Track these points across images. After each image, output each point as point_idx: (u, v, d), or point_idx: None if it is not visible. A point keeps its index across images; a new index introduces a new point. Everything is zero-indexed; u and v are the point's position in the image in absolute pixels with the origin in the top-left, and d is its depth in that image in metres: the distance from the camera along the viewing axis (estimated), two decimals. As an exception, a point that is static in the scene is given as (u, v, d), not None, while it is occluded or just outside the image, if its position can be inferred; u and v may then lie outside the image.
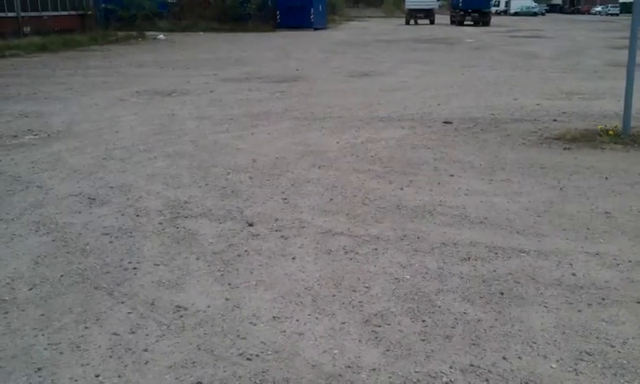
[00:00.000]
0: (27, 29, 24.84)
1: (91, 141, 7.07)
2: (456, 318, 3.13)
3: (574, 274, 3.64)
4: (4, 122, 8.35)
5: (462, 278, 3.59)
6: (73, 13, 28.92)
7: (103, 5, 33.45)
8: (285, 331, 3.01)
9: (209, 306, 3.26)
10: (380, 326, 3.05)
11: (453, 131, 7.59)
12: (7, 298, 3.36)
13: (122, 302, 3.31)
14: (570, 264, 3.78)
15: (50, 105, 9.74)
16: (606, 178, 5.54)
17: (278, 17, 36.61)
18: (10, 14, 24.56)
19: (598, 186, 5.35)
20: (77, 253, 3.96)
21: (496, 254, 3.92)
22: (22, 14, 25.29)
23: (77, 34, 25.50)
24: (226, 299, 3.34)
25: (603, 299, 3.33)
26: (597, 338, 2.95)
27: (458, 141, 7.08)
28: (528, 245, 4.06)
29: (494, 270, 3.69)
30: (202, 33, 31.52)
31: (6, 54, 18.72)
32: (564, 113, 8.68)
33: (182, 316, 3.17)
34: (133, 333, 3.00)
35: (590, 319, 3.12)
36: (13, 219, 4.57)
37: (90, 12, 30.05)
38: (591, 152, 6.50)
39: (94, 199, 5.04)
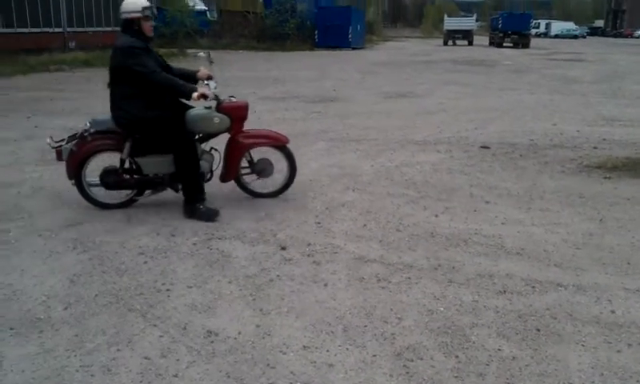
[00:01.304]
0: (72, 44, 25.58)
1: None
2: (490, 355, 3.06)
3: (613, 312, 3.53)
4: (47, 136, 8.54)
5: (498, 312, 3.52)
6: (117, 29, 29.60)
7: (146, 22, 34.26)
8: (315, 362, 2.98)
9: (239, 333, 3.26)
10: (412, 361, 3.01)
11: (490, 156, 7.50)
12: (42, 317, 3.41)
13: (155, 325, 3.33)
14: (609, 300, 3.67)
15: (92, 121, 9.94)
16: (649, 211, 5.38)
17: (316, 36, 36.93)
18: (57, 30, 25.34)
19: (638, 218, 5.20)
20: (112, 272, 4.02)
21: (533, 287, 3.83)
22: (68, 29, 26.07)
23: (120, 50, 26.06)
24: (257, 326, 3.34)
25: (645, 340, 3.21)
26: (637, 381, 2.85)
27: (495, 167, 6.99)
28: (566, 279, 3.96)
29: (531, 305, 3.60)
30: (241, 51, 31.95)
31: (51, 69, 19.27)
32: (604, 140, 8.49)
33: (212, 341, 3.17)
34: (164, 357, 3.01)
35: (630, 361, 3.02)
36: (51, 236, 4.67)
37: (133, 29, 30.76)
38: (632, 182, 6.33)
39: (131, 218, 5.11)
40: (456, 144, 8.26)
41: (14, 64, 18.65)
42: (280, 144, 5.45)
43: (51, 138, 5.24)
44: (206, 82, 5.24)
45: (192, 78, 5.27)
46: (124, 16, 4.97)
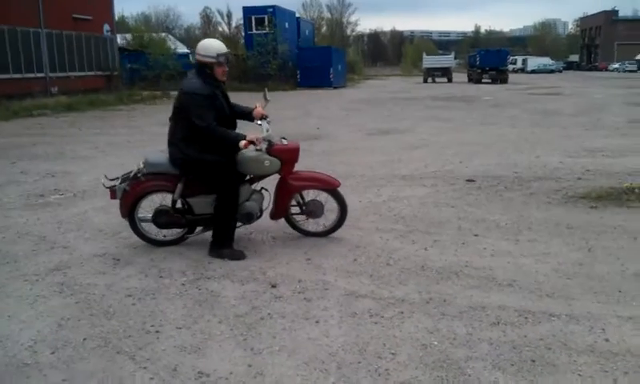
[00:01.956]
0: (55, 89, 25.62)
1: (117, 200, 7.12)
2: (487, 388, 3.03)
3: (607, 340, 3.52)
4: (31, 181, 8.50)
5: (492, 344, 3.49)
6: (99, 73, 29.82)
7: (128, 65, 34.50)
8: (310, 400, 2.93)
9: (231, 373, 3.20)
10: (408, 396, 2.96)
11: (476, 189, 7.55)
12: (29, 362, 3.33)
13: (145, 368, 3.26)
14: (603, 329, 3.66)
15: (77, 164, 9.92)
16: (635, 238, 5.43)
17: (298, 76, 37.42)
18: (39, 75, 25.38)
19: (627, 246, 5.24)
20: (100, 315, 3.94)
21: (526, 318, 3.82)
22: (50, 74, 26.12)
23: (102, 93, 26.21)
24: (249, 365, 3.28)
25: (640, 367, 3.20)
26: (636, 410, 2.82)
27: (482, 199, 7.03)
28: (558, 309, 3.95)
29: (525, 336, 3.58)
30: (223, 92, 32.05)
31: (34, 114, 19.24)
32: (588, 170, 8.61)
33: (203, 383, 3.10)
34: (155, 400, 2.94)
35: (628, 389, 3.00)
36: (37, 280, 4.58)
37: (115, 72, 30.95)
38: (618, 211, 6.40)
39: (118, 260, 5.04)
40: (441, 178, 8.31)
41: (-3, 110, 18.59)
42: (330, 188, 5.42)
43: (105, 176, 5.31)
44: (259, 121, 5.24)
45: (248, 116, 5.31)
46: (198, 58, 4.98)
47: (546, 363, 3.26)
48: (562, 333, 3.62)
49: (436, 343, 3.52)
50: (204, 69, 4.95)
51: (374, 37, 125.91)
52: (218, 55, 4.93)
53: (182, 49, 49.72)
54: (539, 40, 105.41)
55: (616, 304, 4.02)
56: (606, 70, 75.57)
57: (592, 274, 4.57)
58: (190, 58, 44.73)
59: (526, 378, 3.12)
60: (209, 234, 5.20)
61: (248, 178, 5.27)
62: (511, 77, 48.03)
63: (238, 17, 43.63)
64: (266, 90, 5.74)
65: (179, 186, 5.11)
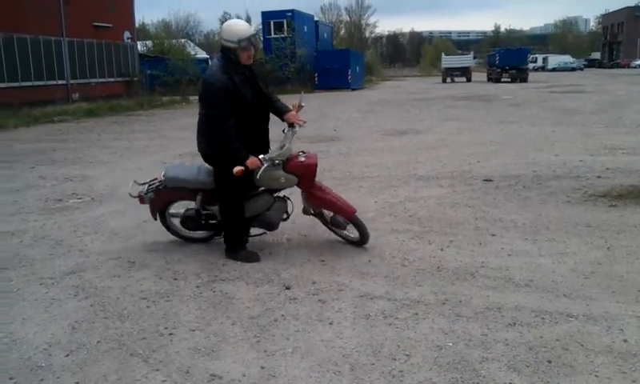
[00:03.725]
0: (76, 95, 25.99)
1: (133, 204, 7.15)
2: (502, 389, 2.97)
3: (625, 341, 3.44)
4: (49, 185, 8.60)
5: (508, 345, 3.43)
6: (119, 79, 30.19)
7: (148, 71, 34.83)
8: (322, 402, 2.90)
9: (244, 375, 3.19)
10: (421, 398, 2.92)
11: (494, 189, 7.46)
12: (43, 365, 3.35)
13: (157, 370, 3.26)
14: (621, 329, 3.58)
15: (95, 169, 10.02)
16: (657, 237, 5.32)
17: (316, 78, 37.42)
18: (60, 82, 25.77)
19: (647, 245, 5.13)
20: (114, 318, 3.96)
21: (543, 319, 3.75)
22: (72, 81, 26.50)
23: (123, 99, 26.54)
24: (262, 367, 3.26)
25: (660, 368, 3.12)
26: (656, 411, 2.75)
27: (500, 199, 6.95)
28: (576, 309, 3.88)
29: (541, 336, 3.52)
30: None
31: (55, 120, 19.50)
32: (608, 169, 8.46)
33: (216, 385, 3.10)
34: (167, 402, 2.94)
35: (647, 391, 2.93)
36: (53, 283, 4.62)
37: (135, 78, 31.30)
38: (638, 210, 6.27)
39: (133, 263, 5.07)
40: (459, 178, 8.24)
41: (18, 117, 18.88)
42: (345, 214, 5.19)
43: (135, 181, 5.54)
44: (287, 129, 5.07)
45: (281, 116, 5.08)
46: (222, 42, 4.79)
47: (563, 364, 3.20)
48: (580, 333, 3.55)
49: (451, 344, 3.47)
50: (227, 53, 4.73)
51: (393, 38, 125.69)
52: (240, 40, 4.65)
53: (202, 54, 50.06)
54: (560, 38, 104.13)
55: (635, 304, 3.93)
56: (629, 67, 74.38)
57: (611, 274, 4.48)
58: (210, 62, 45.00)
59: (542, 379, 3.06)
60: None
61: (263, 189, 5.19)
62: (531, 75, 47.50)
63: (257, 22, 43.74)
64: (302, 93, 5.59)
65: (198, 198, 5.22)
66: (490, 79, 47.67)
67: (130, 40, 31.89)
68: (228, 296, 4.29)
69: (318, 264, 4.91)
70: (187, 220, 5.33)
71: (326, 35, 46.77)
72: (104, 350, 3.51)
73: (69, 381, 3.17)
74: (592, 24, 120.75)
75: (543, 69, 72.77)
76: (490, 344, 3.45)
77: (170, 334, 3.71)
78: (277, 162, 4.88)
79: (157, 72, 34.36)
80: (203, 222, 5.31)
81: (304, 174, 5.02)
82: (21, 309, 4.14)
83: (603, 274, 4.50)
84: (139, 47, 37.02)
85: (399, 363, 3.28)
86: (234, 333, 3.71)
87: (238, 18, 46.90)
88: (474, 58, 57.12)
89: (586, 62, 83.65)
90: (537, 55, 78.41)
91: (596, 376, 3.07)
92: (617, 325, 3.64)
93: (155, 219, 5.48)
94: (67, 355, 3.46)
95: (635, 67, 71.18)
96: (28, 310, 4.12)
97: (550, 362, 3.23)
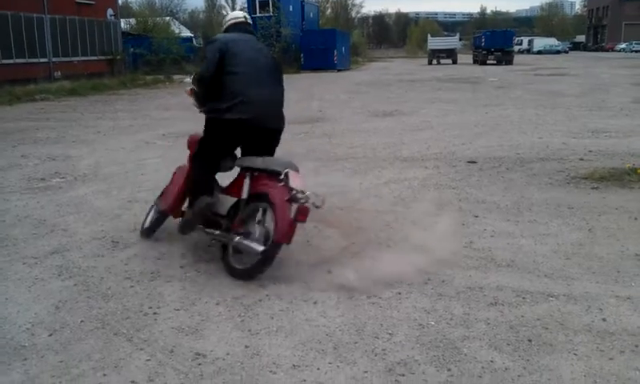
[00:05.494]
0: (58, 73, 25.63)
1: (117, 183, 7.15)
2: (483, 367, 3.02)
3: (604, 320, 3.51)
4: (32, 165, 8.51)
5: (489, 324, 3.48)
6: (102, 57, 29.78)
7: (132, 49, 34.44)
8: (305, 380, 2.93)
9: (228, 354, 3.20)
10: (404, 375, 2.96)
11: (477, 171, 7.51)
12: (27, 344, 3.34)
13: (141, 349, 3.27)
14: (600, 309, 3.65)
15: (78, 148, 9.92)
16: (636, 219, 5.40)
17: (302, 59, 37.24)
18: (42, 60, 25.39)
19: (627, 226, 5.21)
20: (98, 297, 3.95)
21: (523, 298, 3.81)
22: (54, 59, 26.12)
23: (106, 78, 26.22)
24: (246, 346, 3.28)
25: (637, 346, 3.19)
26: (631, 388, 2.82)
27: (483, 181, 7.00)
28: (556, 289, 3.94)
29: (522, 316, 3.57)
30: (227, 75, 31.95)
31: (37, 98, 19.24)
32: (591, 151, 8.55)
33: (200, 364, 3.11)
34: (151, 381, 2.95)
35: (623, 368, 2.99)
36: (36, 263, 4.59)
37: (118, 56, 30.90)
38: (619, 191, 6.36)
39: (117, 242, 5.05)
40: (443, 160, 8.28)
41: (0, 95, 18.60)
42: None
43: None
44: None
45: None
46: (230, 22, 4.90)
47: (543, 343, 3.25)
48: (560, 313, 3.60)
49: (433, 323, 3.51)
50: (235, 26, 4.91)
51: (379, 19, 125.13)
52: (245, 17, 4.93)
53: (186, 33, 49.56)
54: (546, 20, 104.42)
55: (614, 284, 4.00)
56: (613, 50, 74.81)
57: (591, 255, 4.55)
58: (194, 41, 44.64)
59: (522, 357, 3.11)
60: None
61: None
62: (517, 58, 47.65)
63: (242, 0, 43.37)
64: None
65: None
66: (475, 61, 47.78)
67: (113, 17, 31.46)
68: (213, 276, 4.29)
69: (304, 244, 4.92)
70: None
71: (312, 15, 46.49)
72: (88, 330, 3.50)
73: (52, 360, 3.17)
74: (577, 7, 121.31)
75: (529, 51, 72.96)
76: (472, 323, 3.50)
77: (155, 313, 3.71)
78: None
79: (140, 50, 34.03)
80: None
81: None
82: (3, 288, 4.11)
83: (584, 254, 4.56)
84: (122, 25, 36.54)
85: (382, 342, 3.31)
86: (219, 312, 3.72)
87: (223, -4, 46.33)
88: (460, 39, 57.15)
89: (570, 45, 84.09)
90: (522, 38, 78.59)
91: (575, 354, 3.13)
92: (596, 304, 3.70)
93: None
94: (51, 335, 3.45)
95: (619, 51, 71.63)
96: (11, 289, 4.10)
97: (530, 340, 3.28)
